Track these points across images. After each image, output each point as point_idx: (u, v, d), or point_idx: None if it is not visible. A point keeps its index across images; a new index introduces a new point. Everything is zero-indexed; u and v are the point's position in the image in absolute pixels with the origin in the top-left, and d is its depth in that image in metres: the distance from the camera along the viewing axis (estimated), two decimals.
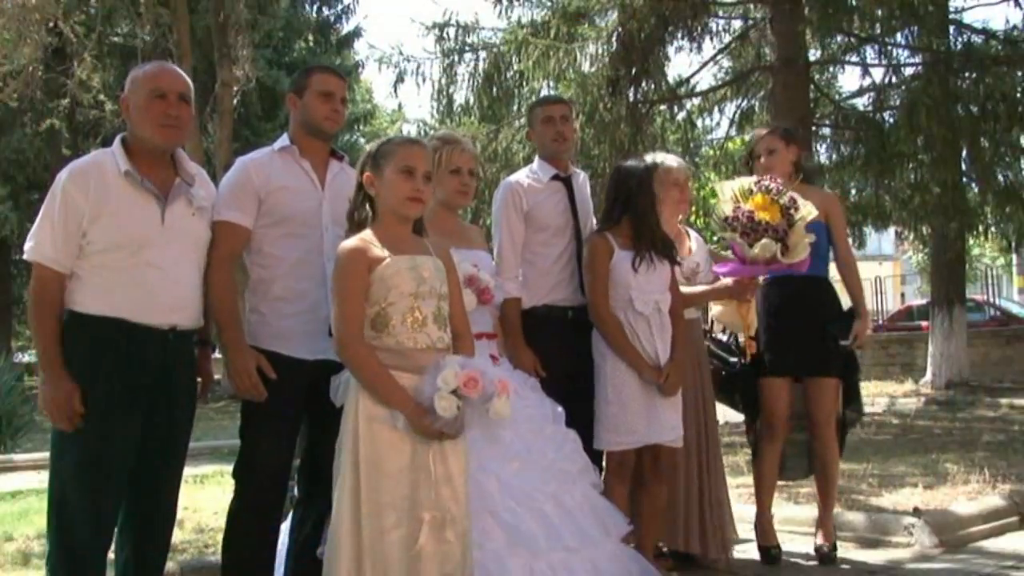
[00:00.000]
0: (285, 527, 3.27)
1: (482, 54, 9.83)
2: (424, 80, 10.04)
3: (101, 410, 2.69)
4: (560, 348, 3.76)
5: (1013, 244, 12.43)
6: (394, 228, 2.75)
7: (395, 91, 11.29)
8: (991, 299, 18.13)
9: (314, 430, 3.11)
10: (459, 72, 10.16)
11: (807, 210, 3.76)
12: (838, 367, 4.08)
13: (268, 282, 3.07)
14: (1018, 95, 8.78)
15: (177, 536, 4.79)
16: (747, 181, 3.87)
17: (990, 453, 6.72)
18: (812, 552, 4.12)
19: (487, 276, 3.40)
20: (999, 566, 3.89)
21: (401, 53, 10.17)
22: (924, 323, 14.80)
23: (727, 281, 3.93)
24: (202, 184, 3.01)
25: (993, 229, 11.57)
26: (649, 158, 4.15)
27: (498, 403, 2.60)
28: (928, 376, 12.82)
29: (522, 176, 3.98)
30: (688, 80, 10.90)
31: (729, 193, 3.85)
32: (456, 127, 9.75)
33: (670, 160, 4.11)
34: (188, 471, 6.71)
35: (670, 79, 10.07)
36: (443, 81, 10.08)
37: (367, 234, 2.72)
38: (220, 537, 4.63)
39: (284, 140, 3.22)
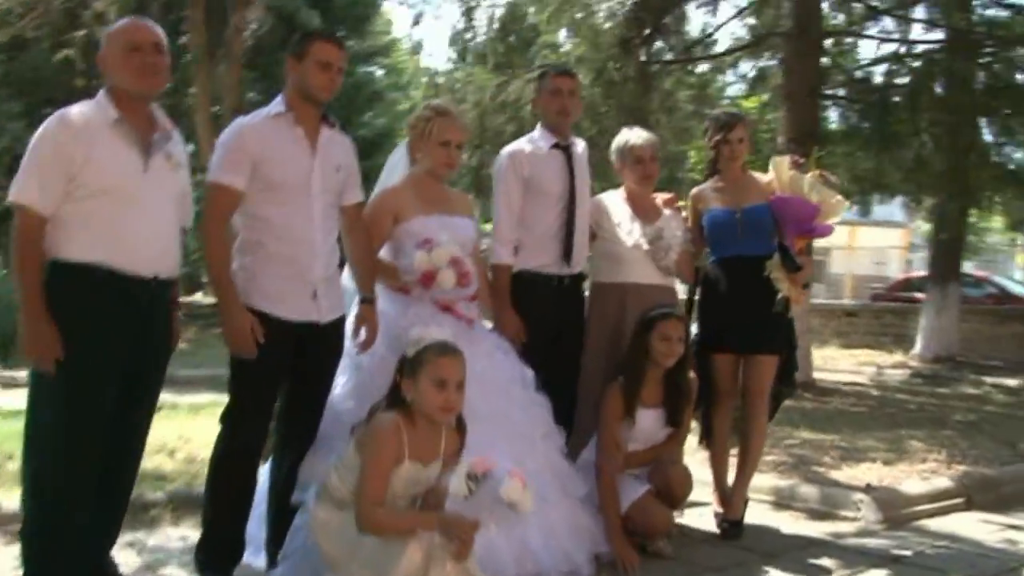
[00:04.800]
0: (263, 468, 3.52)
1: (500, 0, 9.84)
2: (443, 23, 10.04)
3: (85, 362, 2.80)
4: (547, 313, 3.99)
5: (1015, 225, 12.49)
6: (425, 430, 2.89)
7: (413, 31, 11.28)
8: (991, 275, 18.23)
9: (295, 382, 3.33)
10: (477, 17, 10.18)
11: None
12: (779, 344, 4.28)
13: (258, 244, 3.23)
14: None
15: (168, 465, 5.11)
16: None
17: (957, 433, 6.93)
18: (728, 521, 4.23)
19: (471, 263, 3.57)
20: (932, 544, 4.14)
21: None
22: (919, 295, 14.94)
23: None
24: (177, 141, 3.14)
25: (998, 208, 11.61)
26: (623, 135, 4.32)
27: (510, 484, 2.73)
28: (917, 349, 13.02)
29: (523, 144, 4.16)
30: (701, 41, 10.87)
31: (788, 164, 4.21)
32: (469, 73, 9.81)
33: (633, 137, 4.27)
34: (185, 399, 6.98)
35: (685, 40, 10.06)
36: (460, 25, 10.11)
37: (402, 421, 2.86)
38: (207, 469, 4.99)
39: (279, 104, 3.32)
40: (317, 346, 3.32)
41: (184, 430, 5.86)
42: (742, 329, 4.17)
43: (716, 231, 4.28)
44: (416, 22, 9.73)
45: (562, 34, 9.39)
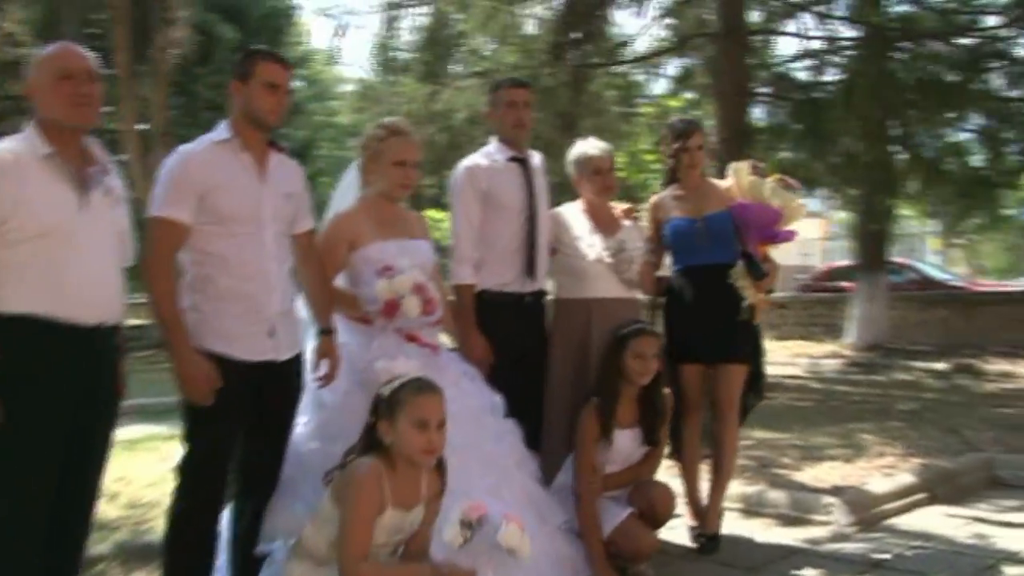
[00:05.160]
0: (223, 513, 3.28)
1: (425, 9, 9.65)
2: (366, 33, 9.80)
3: (26, 422, 2.57)
4: (510, 333, 3.85)
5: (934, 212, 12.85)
6: (405, 474, 2.72)
7: (334, 43, 11.00)
8: (911, 262, 18.78)
9: (254, 424, 3.11)
10: (401, 27, 9.98)
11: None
12: (746, 353, 4.22)
13: (208, 281, 3.00)
14: (946, 71, 8.99)
15: (110, 512, 4.79)
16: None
17: (903, 423, 7.04)
18: (706, 536, 4.15)
19: (435, 289, 3.40)
20: (908, 545, 4.12)
21: (341, 6, 9.92)
22: (844, 284, 15.27)
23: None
24: (115, 174, 2.91)
25: (923, 199, 11.93)
26: (579, 146, 4.21)
27: (508, 530, 2.61)
28: (849, 338, 13.28)
29: (479, 158, 4.01)
30: (626, 44, 10.88)
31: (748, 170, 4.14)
32: (394, 84, 9.60)
33: (591, 148, 4.16)
34: (117, 434, 6.65)
35: (610, 42, 10.04)
36: (383, 34, 9.89)
37: (382, 467, 2.68)
38: (155, 512, 4.70)
39: (224, 131, 3.12)
40: (276, 385, 3.11)
41: (122, 469, 5.51)
42: (709, 338, 4.10)
43: (678, 240, 4.20)
44: (339, 33, 9.42)
45: (489, 41, 9.23)
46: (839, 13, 10.41)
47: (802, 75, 10.60)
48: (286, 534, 3.02)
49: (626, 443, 3.74)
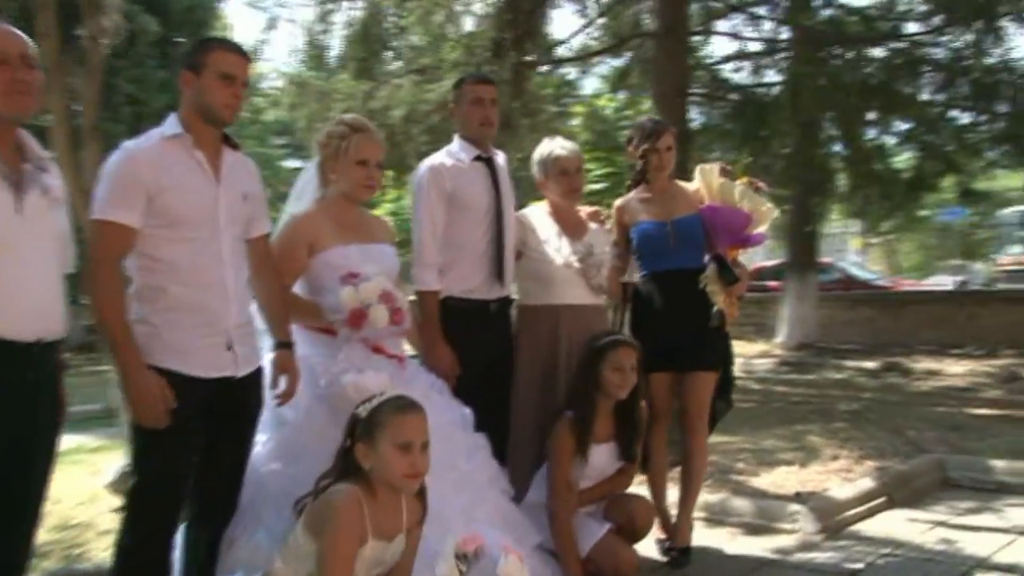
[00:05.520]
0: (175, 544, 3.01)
1: (360, 3, 9.35)
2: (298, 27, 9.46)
3: None
4: (478, 341, 3.67)
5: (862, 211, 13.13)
6: (385, 501, 2.51)
7: (262, 37, 10.60)
8: (835, 261, 19.21)
9: (209, 445, 2.84)
10: (335, 20, 9.66)
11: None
12: (717, 360, 4.12)
13: (159, 290, 2.73)
14: (873, 75, 9.11)
15: (38, 536, 4.42)
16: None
17: (847, 424, 7.06)
18: (677, 549, 4.01)
19: (403, 297, 3.19)
20: (878, 554, 4.07)
21: None
22: (771, 283, 15.48)
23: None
24: (54, 172, 2.63)
25: (847, 201, 12.14)
26: (545, 146, 4.04)
27: (508, 562, 2.50)
28: (780, 337, 13.44)
29: (443, 157, 3.80)
30: (563, 43, 10.77)
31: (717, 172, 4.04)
32: (328, 81, 9.29)
33: (557, 148, 4.00)
34: None
35: (551, 40, 9.92)
36: (316, 29, 9.56)
37: (362, 495, 2.46)
38: (89, 535, 4.37)
39: (174, 125, 2.84)
40: (234, 403, 2.85)
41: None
42: (679, 346, 3.97)
43: (647, 245, 4.06)
44: (271, 26, 9.09)
45: (428, 38, 8.99)
46: (773, 15, 10.48)
47: (738, 76, 10.62)
48: (248, 567, 2.78)
49: (602, 458, 3.59)
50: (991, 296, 14.50)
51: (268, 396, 3.03)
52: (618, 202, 4.24)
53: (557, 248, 3.90)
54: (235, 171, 2.92)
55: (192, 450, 2.77)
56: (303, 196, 3.50)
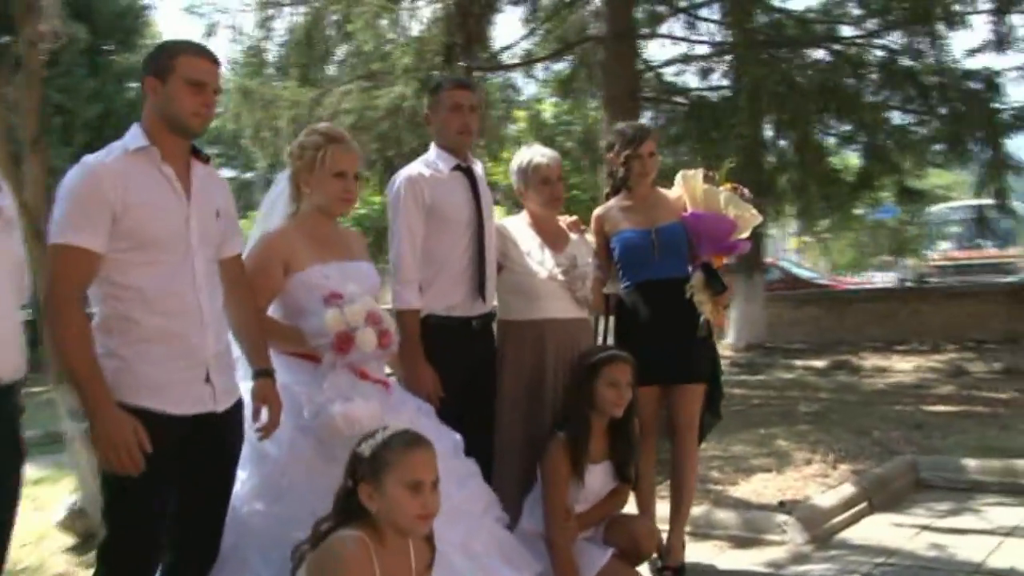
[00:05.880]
0: None
1: (302, 8, 9.06)
2: (239, 34, 9.13)
3: None
4: (460, 360, 3.48)
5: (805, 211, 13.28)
6: (393, 546, 2.31)
7: (203, 43, 10.20)
8: (776, 261, 19.44)
9: (187, 487, 2.60)
10: (275, 27, 9.37)
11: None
12: (705, 371, 4.00)
13: (127, 320, 2.48)
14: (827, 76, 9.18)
15: None
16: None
17: (811, 426, 7.02)
18: (671, 568, 3.85)
19: (390, 318, 2.98)
20: (873, 563, 4.00)
21: (212, 4, 9.21)
22: None
23: None
24: (4, 190, 2.38)
25: (792, 200, 12.25)
26: (524, 154, 3.88)
27: None
28: (730, 338, 13.48)
29: (420, 167, 3.60)
30: (509, 47, 10.64)
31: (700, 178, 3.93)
32: (272, 88, 8.98)
33: (537, 155, 3.84)
34: None
35: (496, 45, 9.78)
36: (257, 35, 9.25)
37: (369, 541, 2.26)
38: None
39: (138, 137, 2.58)
40: (214, 441, 2.62)
41: None
42: (667, 358, 3.83)
43: (630, 254, 3.92)
44: (209, 33, 8.78)
45: (376, 43, 8.74)
46: (719, 18, 10.51)
47: (684, 79, 10.62)
48: None
49: (597, 480, 3.43)
50: (932, 292, 14.79)
51: (248, 430, 2.79)
52: (597, 211, 4.09)
53: (540, 260, 3.73)
54: (206, 186, 2.69)
55: (168, 496, 2.52)
56: (273, 211, 3.28)
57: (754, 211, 3.96)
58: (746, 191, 4.01)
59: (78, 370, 2.39)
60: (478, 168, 3.73)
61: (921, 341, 12.69)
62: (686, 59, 10.54)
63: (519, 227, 3.83)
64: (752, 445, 6.34)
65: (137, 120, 2.65)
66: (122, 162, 2.54)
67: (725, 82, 9.72)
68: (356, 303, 2.87)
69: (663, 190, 4.08)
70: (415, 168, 3.61)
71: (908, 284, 21.23)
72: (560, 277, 3.71)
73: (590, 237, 4.03)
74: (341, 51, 9.64)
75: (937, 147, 11.06)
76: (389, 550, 2.27)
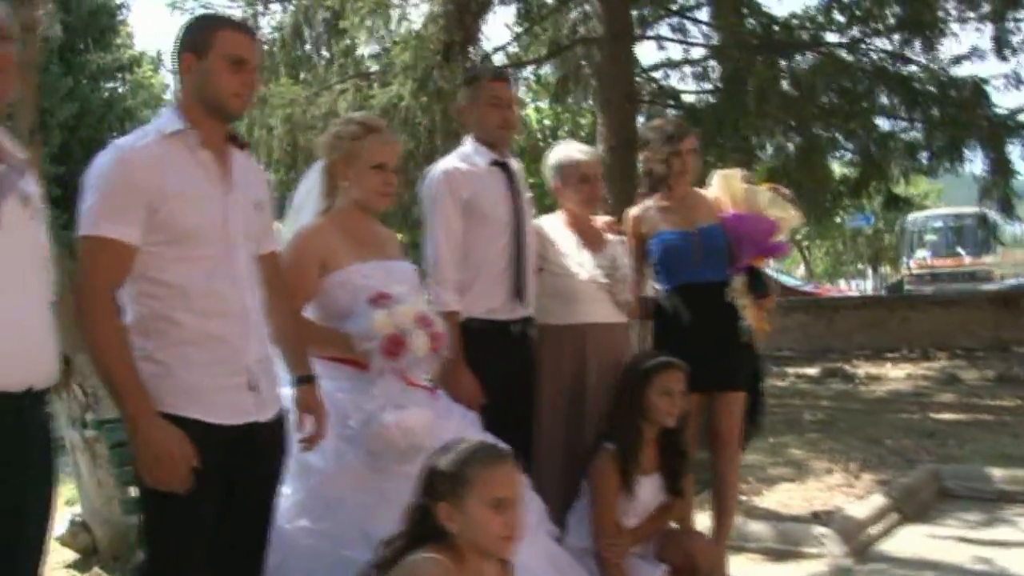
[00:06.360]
0: None
1: (290, 5, 8.82)
2: None
3: None
4: (499, 365, 3.27)
5: None
6: (474, 566, 2.10)
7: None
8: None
9: (228, 504, 2.35)
10: (261, 25, 9.11)
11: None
12: (747, 380, 3.84)
13: (165, 322, 2.25)
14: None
15: None
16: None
17: (819, 434, 6.94)
18: None
19: (440, 321, 2.78)
20: None
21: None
22: None
23: None
24: (29, 176, 2.15)
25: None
26: (561, 149, 3.70)
27: None
28: None
29: (455, 161, 3.40)
30: (501, 49, 10.46)
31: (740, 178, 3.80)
32: (264, 87, 8.72)
33: (576, 152, 3.66)
34: None
35: (487, 47, 9.60)
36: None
37: (450, 565, 2.06)
38: None
39: (173, 119, 2.35)
40: (258, 454, 2.38)
41: None
42: (708, 365, 3.63)
43: (670, 257, 3.73)
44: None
45: (373, 41, 8.53)
46: (711, 21, 10.42)
47: (681, 83, 10.51)
48: None
49: (647, 493, 3.24)
50: (920, 299, 14.81)
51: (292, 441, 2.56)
52: (633, 211, 3.90)
53: (580, 262, 3.54)
54: (246, 175, 2.47)
55: (212, 515, 2.29)
56: (304, 206, 3.06)
57: (795, 212, 3.80)
58: (785, 191, 3.86)
59: (116, 376, 2.16)
60: (515, 164, 3.53)
61: (910, 348, 12.68)
62: (683, 62, 10.42)
63: (556, 227, 3.63)
64: (765, 454, 6.20)
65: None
66: (157, 146, 2.30)
67: (722, 85, 9.59)
68: (405, 304, 2.67)
69: (700, 190, 3.91)
70: (451, 162, 3.41)
71: (881, 293, 21.32)
72: (601, 279, 3.52)
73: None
74: (332, 49, 9.38)
75: (925, 153, 11.07)
76: (469, 574, 2.06)
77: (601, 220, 3.77)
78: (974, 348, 12.42)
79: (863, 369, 11.62)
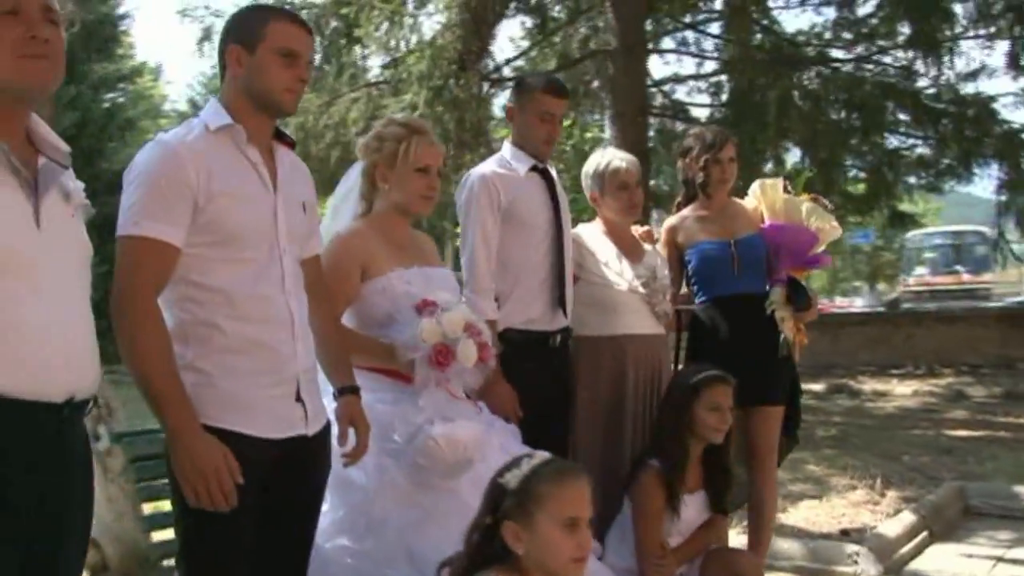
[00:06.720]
0: None
1: (303, 12, 8.73)
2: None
3: None
4: (538, 377, 3.18)
5: None
6: None
7: (200, 50, 9.81)
8: None
9: (266, 521, 2.25)
10: None
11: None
12: (785, 393, 3.75)
13: (210, 326, 2.14)
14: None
15: None
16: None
17: (835, 450, 6.84)
18: None
19: (488, 330, 2.68)
20: None
21: (208, 7, 8.84)
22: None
23: None
24: (70, 171, 2.04)
25: None
26: (600, 156, 3.62)
27: None
28: None
29: (493, 165, 3.31)
30: (512, 61, 10.41)
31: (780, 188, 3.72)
32: None
33: (616, 159, 3.57)
34: None
35: (502, 57, 9.56)
36: None
37: None
38: None
39: (220, 113, 2.23)
40: (300, 469, 2.27)
41: None
42: (746, 378, 3.54)
43: (709, 268, 3.65)
44: (205, 37, 8.48)
45: (386, 52, 8.45)
46: (723, 36, 10.41)
47: (692, 97, 10.48)
48: None
49: (691, 511, 3.14)
50: (925, 316, 14.74)
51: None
52: (670, 220, 3.82)
53: (619, 272, 3.45)
54: (292, 175, 2.36)
55: (253, 533, 2.18)
56: (342, 209, 2.96)
57: (835, 223, 3.72)
58: (825, 201, 3.78)
59: (158, 386, 2.04)
60: (554, 171, 3.44)
61: (916, 365, 12.61)
62: (694, 76, 10.39)
63: (594, 235, 3.55)
64: (784, 470, 6.03)
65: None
66: (203, 141, 2.19)
67: (733, 99, 9.55)
68: (452, 312, 2.57)
69: (739, 200, 3.83)
70: (488, 167, 3.31)
71: (880, 310, 21.27)
72: (641, 290, 3.43)
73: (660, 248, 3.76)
74: (343, 59, 9.30)
75: (932, 171, 11.04)
76: None
77: (639, 229, 3.68)
78: (979, 365, 12.35)
79: (869, 385, 11.55)
